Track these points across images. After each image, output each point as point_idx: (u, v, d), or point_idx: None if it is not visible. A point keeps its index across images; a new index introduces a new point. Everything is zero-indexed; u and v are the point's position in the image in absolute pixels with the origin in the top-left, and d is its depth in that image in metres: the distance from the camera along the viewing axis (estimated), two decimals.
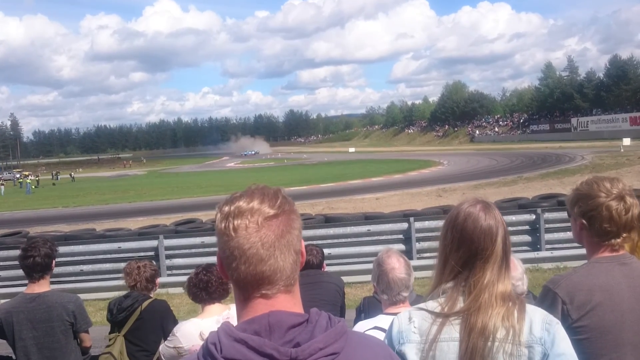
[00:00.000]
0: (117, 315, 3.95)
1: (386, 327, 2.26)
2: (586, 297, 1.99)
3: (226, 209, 1.22)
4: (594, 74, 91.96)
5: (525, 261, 9.74)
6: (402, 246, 10.57)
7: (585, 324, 1.97)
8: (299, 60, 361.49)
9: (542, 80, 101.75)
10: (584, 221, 2.12)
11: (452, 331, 1.64)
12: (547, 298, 2.05)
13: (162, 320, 3.98)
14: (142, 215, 25.88)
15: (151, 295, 4.10)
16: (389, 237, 10.82)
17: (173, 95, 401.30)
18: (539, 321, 1.65)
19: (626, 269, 2.04)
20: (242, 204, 1.21)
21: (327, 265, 9.60)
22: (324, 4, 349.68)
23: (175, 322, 3.96)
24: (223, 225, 1.21)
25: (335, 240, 10.78)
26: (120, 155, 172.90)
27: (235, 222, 1.19)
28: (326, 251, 10.15)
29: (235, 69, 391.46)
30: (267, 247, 1.18)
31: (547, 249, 10.29)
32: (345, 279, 9.45)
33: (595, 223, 2.08)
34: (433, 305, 1.70)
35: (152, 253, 10.80)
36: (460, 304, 1.66)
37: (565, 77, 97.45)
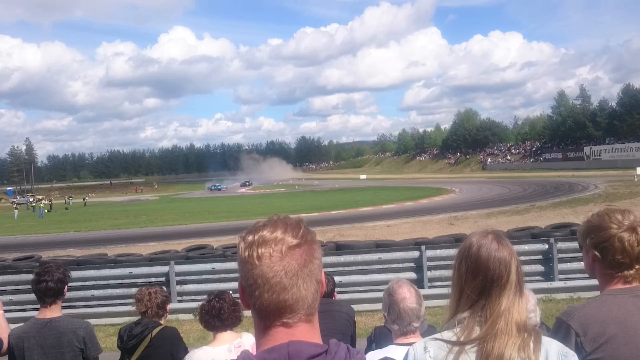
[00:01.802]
0: (127, 342, 3.94)
1: (397, 357, 2.24)
2: (600, 329, 1.98)
3: (250, 237, 1.25)
4: (607, 103, 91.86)
5: (538, 291, 9.71)
6: (413, 275, 10.50)
7: (599, 356, 1.95)
8: (311, 87, 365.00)
9: (554, 108, 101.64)
10: (596, 253, 2.11)
11: None
12: (561, 330, 2.04)
13: (172, 348, 3.97)
14: (153, 240, 25.95)
15: (162, 322, 4.10)
16: (400, 265, 10.75)
17: (186, 121, 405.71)
18: (555, 353, 1.65)
19: None
20: (266, 233, 1.24)
21: (338, 293, 9.56)
22: (336, 32, 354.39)
23: (185, 350, 3.95)
24: (247, 253, 1.23)
25: (346, 268, 10.72)
26: (132, 180, 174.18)
27: (260, 251, 1.22)
28: (337, 279, 10.17)
29: (247, 96, 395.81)
30: (290, 276, 1.21)
31: (561, 279, 10.16)
32: (355, 307, 9.39)
33: (607, 255, 2.08)
34: (449, 334, 1.71)
35: (162, 279, 10.81)
36: (476, 333, 1.67)
37: (577, 106, 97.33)
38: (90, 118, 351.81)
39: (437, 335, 1.73)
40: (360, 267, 10.77)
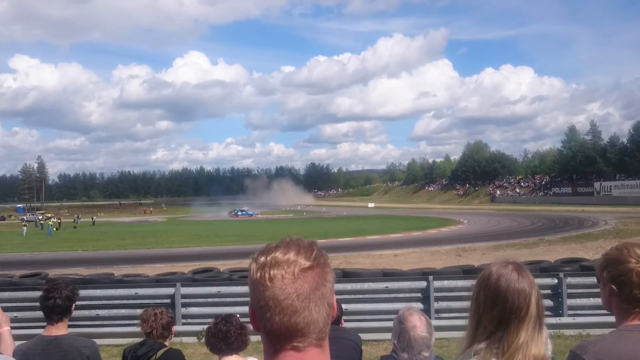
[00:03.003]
0: None
1: None
2: None
3: (262, 259, 1.24)
4: (618, 139, 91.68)
5: (546, 327, 9.60)
6: (420, 305, 10.38)
7: None
8: (321, 114, 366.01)
9: (565, 142, 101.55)
10: (613, 287, 2.08)
11: None
12: None
13: None
14: (160, 262, 25.88)
15: (166, 344, 4.06)
16: (407, 295, 10.65)
17: (197, 145, 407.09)
18: None
19: None
20: (278, 254, 1.23)
21: (344, 321, 9.50)
22: (349, 62, 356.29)
23: None
24: (259, 274, 1.22)
25: (353, 296, 10.64)
26: (141, 202, 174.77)
27: (272, 272, 1.20)
28: (343, 307, 10.09)
29: (259, 121, 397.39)
30: (302, 299, 1.19)
31: (570, 315, 10.03)
32: (361, 336, 9.33)
33: (625, 289, 2.04)
34: None
35: (168, 300, 10.75)
36: None
37: (588, 141, 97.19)
38: (102, 138, 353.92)
39: None
40: (367, 296, 10.69)
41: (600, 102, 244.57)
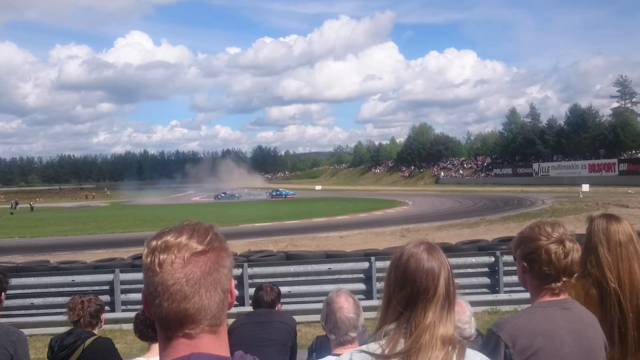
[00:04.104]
0: (58, 353, 3.78)
1: None
2: (528, 341, 1.99)
3: (153, 243, 1.19)
4: (555, 122, 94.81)
5: (483, 303, 9.91)
6: (362, 285, 10.54)
7: None
8: (268, 97, 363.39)
9: (505, 125, 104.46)
10: (525, 264, 2.14)
11: None
12: (491, 341, 2.05)
13: (105, 359, 3.83)
14: (101, 247, 25.29)
15: (95, 332, 3.95)
16: (350, 276, 10.76)
17: (140, 127, 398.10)
18: None
19: (568, 314, 2.06)
20: (170, 238, 1.18)
21: (287, 303, 9.53)
22: (295, 43, 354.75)
23: None
24: (149, 260, 1.17)
25: (296, 278, 10.67)
26: (83, 186, 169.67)
27: (161, 257, 1.15)
28: (286, 289, 10.12)
29: (204, 104, 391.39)
30: (192, 284, 1.14)
31: (506, 292, 10.34)
32: (304, 317, 9.42)
33: (535, 266, 2.10)
34: (374, 347, 1.66)
35: (107, 287, 10.54)
36: (401, 346, 1.62)
37: (527, 124, 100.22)
38: (40, 121, 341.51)
39: (363, 347, 1.69)
40: (310, 278, 10.74)
41: (539, 85, 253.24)
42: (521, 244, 2.17)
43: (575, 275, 2.13)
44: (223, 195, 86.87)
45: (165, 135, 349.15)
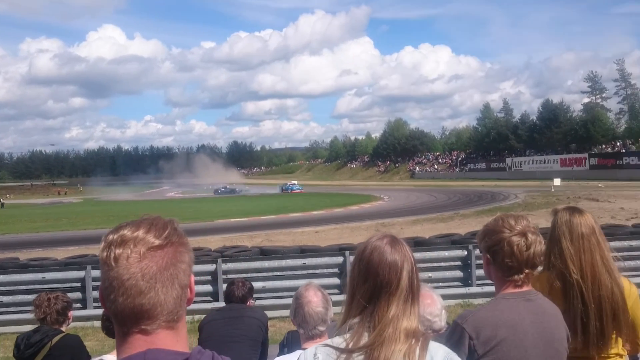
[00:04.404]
0: (24, 351, 3.72)
1: None
2: (492, 332, 2.02)
3: (110, 237, 1.17)
4: (528, 117, 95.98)
5: (456, 296, 10.01)
6: (337, 280, 10.55)
7: (490, 359, 1.99)
8: (243, 92, 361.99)
9: (479, 120, 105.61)
10: (488, 256, 2.16)
11: None
12: (456, 333, 2.08)
13: (74, 357, 3.78)
14: (73, 244, 24.89)
15: (63, 330, 3.89)
16: (325, 270, 10.77)
17: (114, 123, 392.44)
18: (441, 358, 1.64)
19: (531, 306, 2.09)
20: (126, 232, 1.16)
21: (262, 298, 9.51)
22: (270, 38, 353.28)
23: (88, 358, 3.77)
24: (105, 254, 1.15)
25: (270, 274, 10.64)
26: (55, 182, 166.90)
27: (117, 251, 1.14)
28: (260, 284, 10.12)
29: (178, 99, 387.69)
30: (147, 279, 1.12)
31: (478, 285, 10.45)
32: (279, 312, 9.42)
33: (498, 258, 2.13)
34: (338, 341, 1.66)
35: (78, 284, 10.39)
36: (365, 340, 1.63)
37: (501, 119, 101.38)
38: (10, 116, 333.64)
39: (328, 341, 1.69)
40: (284, 273, 10.72)
41: (512, 80, 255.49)
42: (485, 236, 2.19)
43: (538, 267, 2.17)
44: (223, 189, 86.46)
45: (139, 130, 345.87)
